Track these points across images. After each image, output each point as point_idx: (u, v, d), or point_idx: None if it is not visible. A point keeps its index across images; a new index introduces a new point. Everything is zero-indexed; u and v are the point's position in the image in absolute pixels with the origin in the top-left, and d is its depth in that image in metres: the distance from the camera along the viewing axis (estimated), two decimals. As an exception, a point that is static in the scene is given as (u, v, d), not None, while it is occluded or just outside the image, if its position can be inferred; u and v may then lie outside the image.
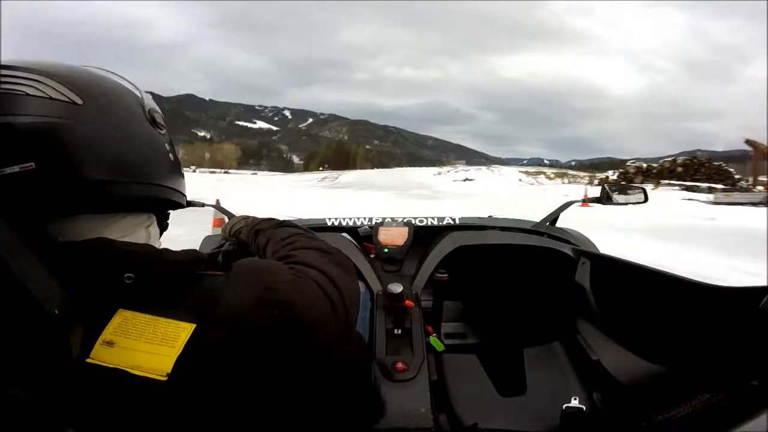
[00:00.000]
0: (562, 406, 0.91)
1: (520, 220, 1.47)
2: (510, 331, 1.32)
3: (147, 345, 0.41)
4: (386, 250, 1.23)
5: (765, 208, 11.53)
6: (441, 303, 1.22)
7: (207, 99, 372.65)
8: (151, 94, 0.58)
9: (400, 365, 0.86)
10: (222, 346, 0.41)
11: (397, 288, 0.94)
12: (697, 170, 23.62)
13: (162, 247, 0.52)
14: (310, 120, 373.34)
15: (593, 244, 1.33)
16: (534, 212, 1.78)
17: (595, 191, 1.94)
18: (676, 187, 20.19)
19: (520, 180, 32.91)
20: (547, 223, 1.41)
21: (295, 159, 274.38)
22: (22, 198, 0.42)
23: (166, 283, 0.45)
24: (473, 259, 1.23)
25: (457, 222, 1.35)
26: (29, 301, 0.36)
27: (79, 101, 0.45)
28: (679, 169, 24.02)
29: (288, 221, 0.72)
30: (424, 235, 1.29)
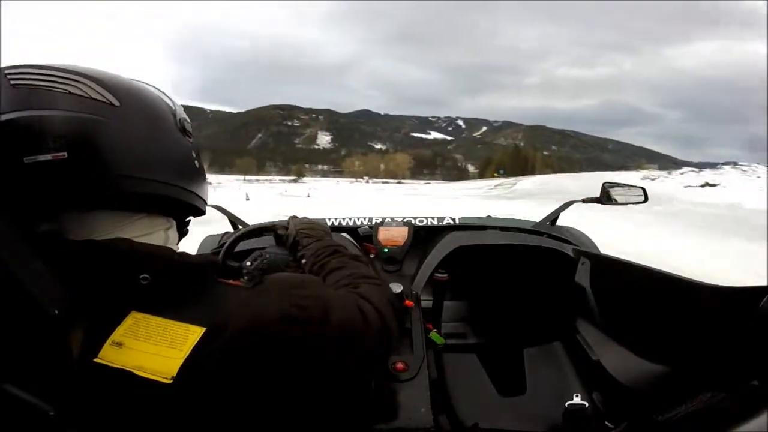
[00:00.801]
0: (561, 406, 0.91)
1: (520, 220, 1.47)
2: (510, 331, 1.31)
3: (155, 347, 0.41)
4: (386, 250, 1.23)
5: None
6: (441, 303, 1.22)
7: (382, 113, 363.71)
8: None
9: (399, 365, 0.86)
10: (233, 353, 0.41)
11: (397, 288, 0.93)
12: None
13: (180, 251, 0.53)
14: (484, 128, 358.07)
15: (594, 243, 1.33)
16: None
17: None
18: None
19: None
20: (547, 223, 1.41)
21: (471, 168, 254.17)
22: (51, 186, 0.44)
23: (181, 286, 0.45)
24: (473, 259, 1.23)
25: (457, 222, 1.35)
26: (29, 300, 0.36)
27: (116, 103, 0.48)
28: None
29: (362, 257, 0.75)
30: (424, 235, 1.29)
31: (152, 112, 0.53)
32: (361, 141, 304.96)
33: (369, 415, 0.77)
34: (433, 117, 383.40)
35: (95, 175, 0.45)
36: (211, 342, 0.41)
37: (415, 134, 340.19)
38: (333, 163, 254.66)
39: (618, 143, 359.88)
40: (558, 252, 1.16)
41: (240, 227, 1.42)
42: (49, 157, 0.43)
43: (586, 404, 0.89)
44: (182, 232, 0.63)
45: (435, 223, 1.34)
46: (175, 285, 0.45)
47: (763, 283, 0.66)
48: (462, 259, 1.14)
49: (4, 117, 0.43)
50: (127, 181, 0.47)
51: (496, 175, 76.58)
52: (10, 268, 0.36)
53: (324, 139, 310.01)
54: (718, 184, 20.44)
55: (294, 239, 0.79)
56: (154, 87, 0.57)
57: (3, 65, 0.46)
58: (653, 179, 26.33)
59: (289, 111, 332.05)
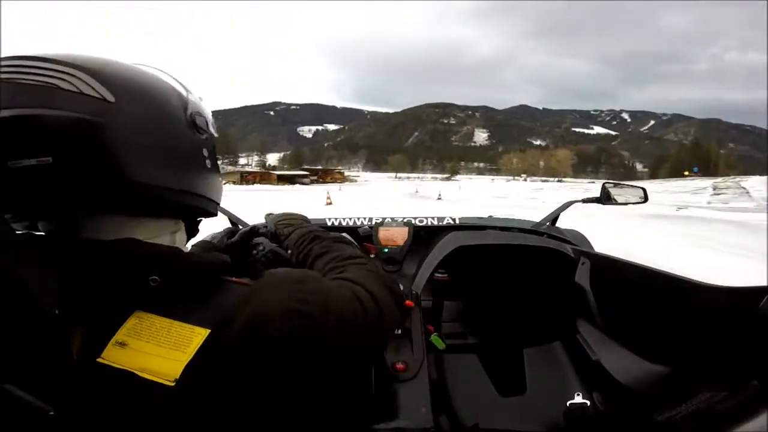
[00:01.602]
0: (561, 406, 0.91)
1: (520, 220, 1.47)
2: (510, 331, 1.31)
3: (159, 348, 0.40)
4: (386, 250, 1.23)
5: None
6: (441, 303, 1.22)
7: (540, 108, 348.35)
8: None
9: (400, 365, 0.86)
10: (236, 354, 0.41)
11: None
12: None
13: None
14: (652, 122, 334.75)
15: (590, 243, 1.34)
16: None
17: None
18: None
19: None
20: (547, 223, 1.41)
21: (639, 166, 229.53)
22: (37, 192, 0.41)
23: (190, 289, 0.44)
24: (473, 259, 1.23)
25: (457, 222, 1.35)
26: (29, 300, 0.36)
27: (111, 98, 0.43)
28: None
29: (344, 237, 0.71)
30: (424, 235, 1.29)
31: (154, 107, 0.47)
32: (519, 137, 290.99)
33: (369, 415, 0.77)
34: (595, 111, 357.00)
35: (84, 181, 0.42)
36: (215, 343, 0.41)
37: (577, 129, 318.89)
38: (490, 161, 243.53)
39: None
40: (558, 252, 1.16)
41: (240, 227, 1.42)
42: (33, 162, 0.40)
43: (588, 403, 0.89)
44: (192, 233, 0.60)
45: (435, 223, 1.34)
46: (184, 287, 0.44)
47: (763, 283, 0.66)
48: (462, 259, 1.14)
49: None
50: (122, 186, 0.43)
51: (687, 174, 66.49)
52: (10, 268, 0.35)
53: (481, 136, 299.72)
54: None
55: (274, 233, 0.78)
56: (168, 74, 0.52)
57: None
58: None
59: (444, 109, 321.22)
